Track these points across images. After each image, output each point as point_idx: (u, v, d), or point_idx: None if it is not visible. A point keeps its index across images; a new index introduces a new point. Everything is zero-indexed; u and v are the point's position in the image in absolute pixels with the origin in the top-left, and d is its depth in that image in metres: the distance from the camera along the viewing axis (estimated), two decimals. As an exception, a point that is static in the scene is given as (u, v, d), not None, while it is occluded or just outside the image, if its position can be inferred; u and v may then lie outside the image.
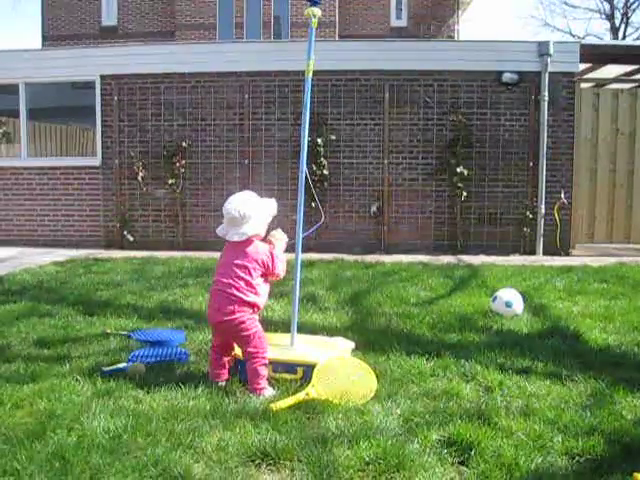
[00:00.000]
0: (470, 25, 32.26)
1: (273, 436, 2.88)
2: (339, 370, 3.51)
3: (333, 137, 9.06)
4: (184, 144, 9.25)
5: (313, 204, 8.96)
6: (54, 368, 3.82)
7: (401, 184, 9.09)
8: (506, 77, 8.79)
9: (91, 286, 6.34)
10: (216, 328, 3.57)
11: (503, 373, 3.77)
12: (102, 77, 9.37)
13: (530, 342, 4.39)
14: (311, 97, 8.71)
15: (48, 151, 9.97)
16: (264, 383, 3.47)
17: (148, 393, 3.41)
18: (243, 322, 3.45)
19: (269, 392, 3.45)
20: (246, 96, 9.18)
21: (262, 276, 3.53)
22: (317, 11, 3.76)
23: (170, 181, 9.28)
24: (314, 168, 9.02)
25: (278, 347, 3.82)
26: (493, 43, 9.01)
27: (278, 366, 3.64)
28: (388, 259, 8.38)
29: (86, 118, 9.72)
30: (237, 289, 3.44)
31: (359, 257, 8.52)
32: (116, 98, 9.34)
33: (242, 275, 3.44)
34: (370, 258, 8.42)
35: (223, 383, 3.58)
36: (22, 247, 9.44)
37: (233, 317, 3.44)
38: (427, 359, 4.01)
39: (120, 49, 9.86)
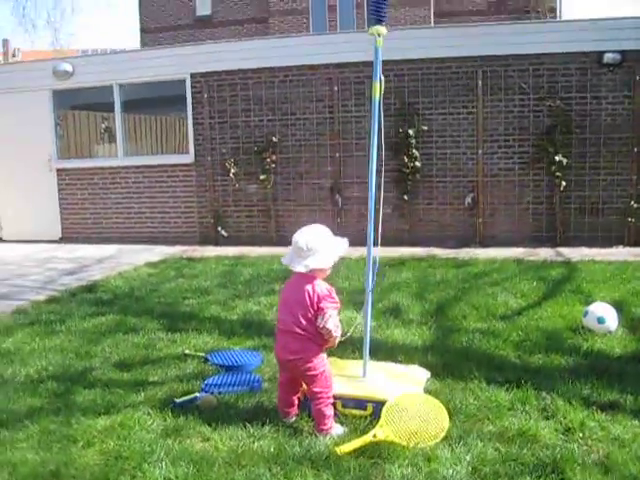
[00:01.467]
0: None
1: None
2: (409, 408, 3.37)
3: (425, 127, 8.77)
4: (274, 139, 9.24)
5: (405, 196, 8.82)
6: (130, 397, 3.88)
7: (496, 174, 8.70)
8: (608, 58, 8.16)
9: (179, 294, 6.46)
10: (283, 366, 3.50)
11: (587, 409, 3.51)
12: (192, 75, 9.48)
13: (621, 367, 4.07)
14: (402, 86, 8.58)
15: (143, 149, 10.25)
16: (330, 423, 3.38)
17: (215, 430, 3.40)
18: (310, 361, 3.36)
19: (336, 431, 3.37)
20: (335, 88, 9.03)
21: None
22: (382, 30, 3.54)
23: (261, 176, 9.32)
24: (405, 160, 8.81)
25: (349, 380, 3.73)
26: (593, 22, 8.37)
27: (348, 402, 3.55)
28: (482, 253, 8.08)
29: (178, 114, 9.89)
30: (301, 328, 3.35)
31: (452, 251, 8.27)
32: (206, 95, 9.43)
33: (302, 312, 3.34)
34: (464, 253, 8.14)
35: (293, 419, 3.51)
36: (121, 244, 9.78)
37: (301, 356, 3.36)
38: (507, 389, 3.80)
39: (208, 47, 9.91)
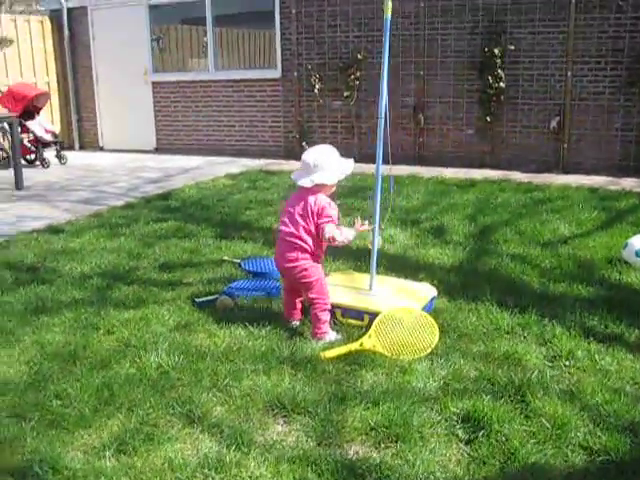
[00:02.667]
0: None
1: (299, 388, 3.02)
2: (400, 322, 3.52)
3: (512, 47, 8.41)
4: (359, 56, 9.19)
5: (488, 118, 8.60)
6: (160, 295, 4.25)
7: (585, 98, 8.26)
8: None
9: (243, 204, 6.77)
10: (282, 273, 3.72)
11: (585, 339, 3.51)
12: (281, -12, 9.51)
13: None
14: (490, 3, 8.23)
15: (233, 64, 10.48)
16: (325, 328, 3.58)
17: (221, 328, 3.70)
18: (305, 269, 3.55)
19: (330, 337, 3.57)
20: (422, 4, 8.79)
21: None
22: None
23: (345, 93, 9.35)
24: (490, 81, 8.54)
25: (354, 291, 3.89)
26: None
27: (347, 311, 3.73)
28: (560, 180, 7.82)
29: (267, 29, 9.99)
30: (298, 237, 3.53)
31: (531, 176, 8.06)
32: (294, 10, 9.45)
33: (303, 223, 3.52)
34: (541, 178, 7.91)
35: (296, 323, 3.75)
36: (210, 156, 10.20)
37: (296, 264, 3.56)
38: (513, 313, 3.84)
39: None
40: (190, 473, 2.48)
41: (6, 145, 9.47)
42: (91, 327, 3.76)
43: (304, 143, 9.81)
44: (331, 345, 3.48)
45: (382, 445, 2.66)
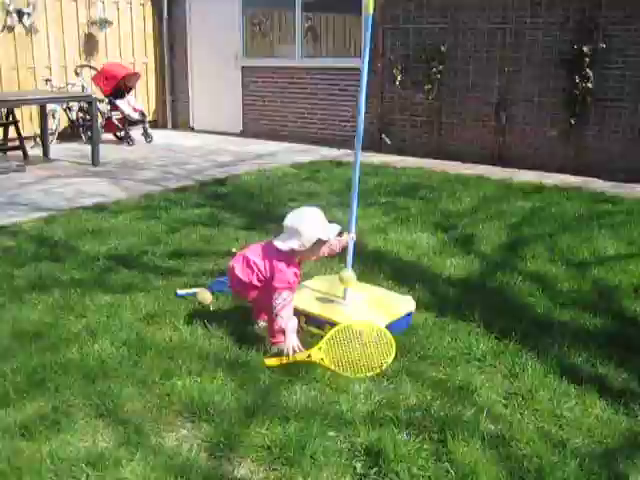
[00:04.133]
0: None
1: (221, 395, 2.97)
2: (356, 337, 3.35)
3: (603, 45, 7.77)
4: (442, 48, 8.85)
5: (573, 120, 8.06)
6: (152, 282, 4.32)
7: (682, 103, 7.51)
8: None
9: (289, 196, 6.71)
10: None
11: (559, 378, 3.17)
12: (369, -23, 9.29)
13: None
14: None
15: (320, 51, 10.41)
16: (280, 337, 3.48)
17: (186, 324, 3.69)
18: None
19: (283, 346, 3.47)
20: (511, -5, 8.32)
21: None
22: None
23: (426, 86, 9.05)
24: (577, 80, 7.96)
25: (326, 298, 3.76)
26: None
27: (311, 319, 3.62)
28: (644, 193, 7.18)
29: (354, 18, 9.85)
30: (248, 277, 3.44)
31: (613, 185, 7.44)
32: (381, -1, 9.23)
33: (255, 270, 3.41)
34: (624, 189, 7.22)
35: (263, 324, 3.67)
36: (291, 143, 10.22)
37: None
38: (494, 339, 3.56)
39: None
40: (67, 467, 2.50)
41: (100, 119, 9.94)
42: (68, 309, 3.88)
43: (383, 135, 9.62)
44: (282, 353, 3.38)
45: (271, 467, 2.55)
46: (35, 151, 9.10)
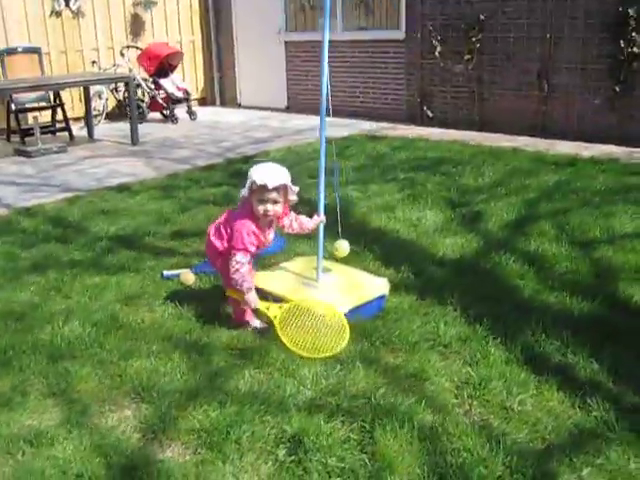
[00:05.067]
0: None
1: (170, 376, 3.04)
2: (311, 316, 3.35)
3: (649, 6, 7.32)
4: (481, 17, 8.54)
5: (617, 88, 7.68)
6: (145, 262, 4.42)
7: None
8: None
9: (310, 172, 6.65)
10: None
11: (521, 367, 3.06)
12: (407, -55, 9.06)
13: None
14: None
15: (360, 24, 10.23)
16: (247, 315, 3.51)
17: (162, 305, 3.78)
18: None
19: (255, 324, 3.50)
20: (552, -42, 7.91)
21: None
22: None
23: (466, 56, 8.78)
24: (622, 45, 7.54)
25: (297, 280, 3.74)
26: None
27: (277, 301, 3.59)
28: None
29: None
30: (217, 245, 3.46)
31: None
32: (419, -33, 8.97)
33: (223, 236, 3.42)
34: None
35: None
36: (334, 117, 10.07)
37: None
38: (466, 323, 3.47)
39: None
40: (4, 443, 2.63)
41: (146, 99, 10.18)
42: (56, 290, 4.03)
43: (425, 108, 9.43)
44: (258, 331, 3.41)
45: (196, 451, 2.60)
46: (83, 132, 9.39)
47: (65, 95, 9.46)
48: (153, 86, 10.03)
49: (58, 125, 9.15)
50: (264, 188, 3.20)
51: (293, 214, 3.60)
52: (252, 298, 3.33)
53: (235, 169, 6.97)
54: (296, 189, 3.36)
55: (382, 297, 3.69)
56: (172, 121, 10.08)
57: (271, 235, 3.47)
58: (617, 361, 3.08)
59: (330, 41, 9.85)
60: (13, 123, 8.77)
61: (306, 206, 5.35)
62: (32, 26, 9.51)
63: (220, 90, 11.87)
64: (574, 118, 8.15)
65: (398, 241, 4.71)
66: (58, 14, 9.74)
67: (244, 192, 3.32)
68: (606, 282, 3.96)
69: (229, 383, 3.00)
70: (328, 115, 3.63)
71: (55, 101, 9.06)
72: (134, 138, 8.52)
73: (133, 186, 6.43)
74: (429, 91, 9.34)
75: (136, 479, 2.42)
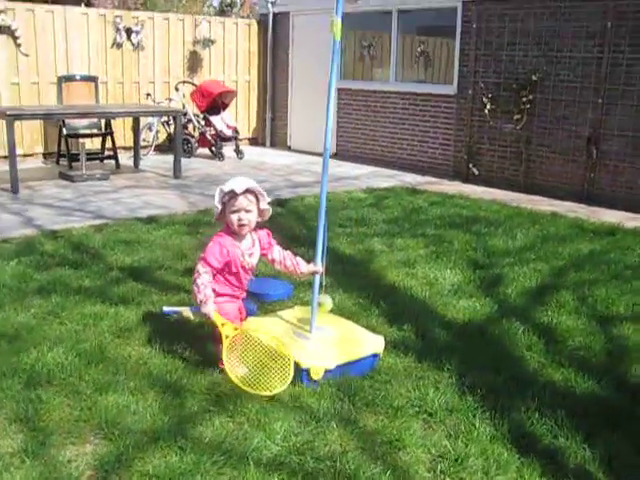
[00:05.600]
0: None
1: (131, 413, 2.96)
2: (256, 350, 3.30)
3: None
4: (534, 77, 8.43)
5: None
6: (150, 296, 4.40)
7: None
8: None
9: (341, 221, 6.62)
10: None
11: (505, 446, 2.88)
12: (464, 3, 9.06)
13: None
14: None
15: (412, 77, 10.24)
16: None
17: (154, 341, 3.71)
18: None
19: (239, 372, 3.40)
20: (608, 24, 7.77)
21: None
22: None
23: (516, 116, 8.66)
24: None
25: (290, 330, 3.64)
26: None
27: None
28: None
29: (447, 44, 9.63)
30: None
31: None
32: (475, 25, 8.95)
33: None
34: None
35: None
36: (380, 167, 10.12)
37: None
38: (459, 393, 3.30)
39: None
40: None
41: (196, 134, 10.37)
42: (54, 315, 4.03)
43: (471, 165, 9.31)
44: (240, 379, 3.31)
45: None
46: (131, 161, 9.59)
47: (117, 125, 9.72)
48: (203, 122, 10.21)
49: (107, 153, 9.36)
50: (233, 194, 3.25)
51: (289, 252, 3.61)
52: (205, 310, 3.29)
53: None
54: (267, 199, 3.39)
55: (375, 356, 3.55)
56: (219, 158, 10.21)
57: (255, 258, 3.48)
58: (612, 450, 2.87)
59: (383, 91, 9.96)
60: (65, 147, 9.01)
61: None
62: (93, 56, 9.86)
63: (271, 131, 12.01)
64: (622, 187, 7.89)
65: (409, 299, 4.58)
66: (119, 46, 10.07)
67: (216, 209, 3.35)
68: (617, 362, 3.74)
69: (196, 429, 2.91)
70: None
71: (106, 129, 9.29)
72: (176, 172, 8.65)
73: (162, 219, 6.47)
74: (476, 149, 9.23)
75: (72, 521, 2.33)
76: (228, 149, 10.53)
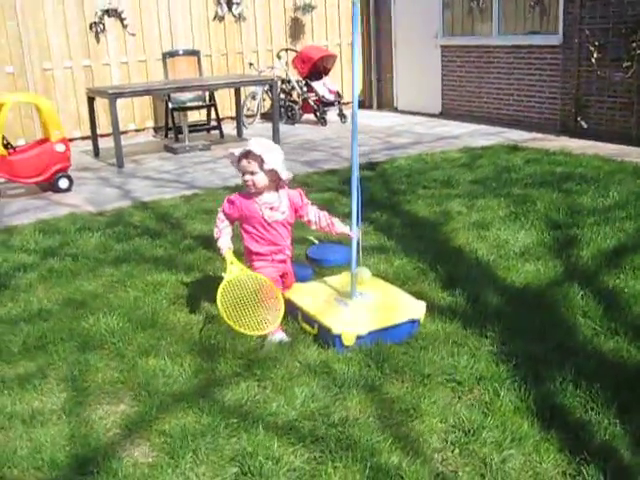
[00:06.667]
0: None
1: (165, 376, 3.14)
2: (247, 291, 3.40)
3: None
4: (646, 18, 7.76)
5: None
6: (214, 263, 4.55)
7: None
8: None
9: (426, 183, 6.49)
10: None
11: (533, 418, 2.79)
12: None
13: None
14: None
15: (515, 28, 9.70)
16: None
17: (204, 308, 3.89)
18: (249, 265, 3.63)
19: (275, 338, 3.49)
20: None
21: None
22: None
23: (626, 64, 8.03)
24: None
25: (332, 296, 3.67)
26: None
27: (305, 316, 3.58)
28: None
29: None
30: None
31: None
32: (581, -33, 8.33)
33: None
34: None
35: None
36: (484, 124, 9.75)
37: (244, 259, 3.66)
38: (489, 362, 3.21)
39: None
40: (4, 420, 2.89)
41: (300, 100, 10.48)
42: (120, 283, 4.28)
43: (579, 118, 8.77)
44: (279, 346, 3.41)
45: (158, 455, 2.67)
46: (235, 131, 9.86)
47: (223, 95, 10.01)
48: (306, 88, 10.28)
49: (213, 124, 9.69)
50: (234, 158, 3.47)
51: (324, 212, 3.69)
52: (219, 244, 3.60)
53: (349, 176, 6.93)
54: (272, 161, 3.41)
55: (413, 322, 3.51)
56: (321, 123, 10.27)
57: (278, 213, 3.60)
58: (648, 428, 2.67)
59: (486, 45, 9.54)
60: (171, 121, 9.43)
61: (403, 217, 5.31)
62: (196, 30, 10.17)
63: (378, 93, 11.88)
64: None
65: (472, 262, 4.45)
66: (221, 18, 10.32)
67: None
68: None
69: (221, 392, 3.03)
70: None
71: (210, 101, 9.61)
72: (275, 139, 8.81)
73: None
74: (584, 101, 8.66)
75: (87, 475, 2.52)
76: (332, 114, 10.54)
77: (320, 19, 11.14)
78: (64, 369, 3.28)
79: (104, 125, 9.16)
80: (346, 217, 5.29)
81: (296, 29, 11.00)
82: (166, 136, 9.67)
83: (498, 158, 7.43)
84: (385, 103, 11.85)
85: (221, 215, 3.64)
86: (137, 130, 9.95)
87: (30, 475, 2.56)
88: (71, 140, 9.14)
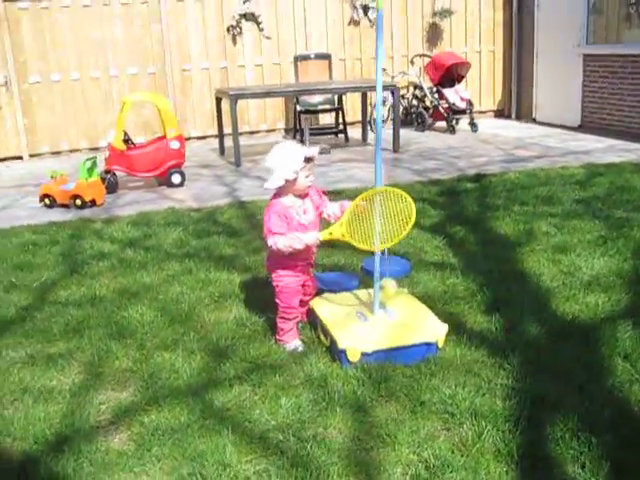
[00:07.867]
0: None
1: (174, 371, 3.28)
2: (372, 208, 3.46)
3: None
4: None
5: None
6: (225, 275, 4.58)
7: None
8: None
9: (520, 200, 6.16)
10: None
11: (491, 465, 2.62)
12: None
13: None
14: None
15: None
16: (284, 337, 3.55)
17: (241, 308, 3.99)
18: (271, 273, 3.57)
19: (290, 346, 3.53)
20: None
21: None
22: None
23: None
24: None
25: (353, 310, 3.62)
26: None
27: (322, 328, 3.56)
28: None
29: None
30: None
31: None
32: None
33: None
34: None
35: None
36: (624, 140, 9.03)
37: (267, 264, 3.62)
38: (491, 398, 3.02)
39: None
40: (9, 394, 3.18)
41: (431, 107, 10.33)
42: (175, 278, 4.50)
43: None
44: (292, 355, 3.44)
45: (128, 444, 2.80)
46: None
47: (354, 100, 10.10)
48: (437, 95, 10.10)
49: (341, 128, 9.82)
50: (309, 159, 3.32)
51: (342, 202, 3.59)
52: (306, 239, 3.34)
53: (452, 187, 6.76)
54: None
55: (429, 345, 3.37)
56: (450, 131, 10.05)
57: (309, 215, 3.47)
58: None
59: (630, 55, 8.89)
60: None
61: (474, 234, 5.10)
62: (331, 34, 10.33)
63: (517, 103, 11.40)
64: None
65: (529, 288, 4.18)
66: (356, 23, 10.39)
67: (289, 176, 3.30)
68: None
69: (213, 393, 3.11)
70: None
71: (338, 104, 9.73)
72: (395, 145, 8.76)
73: (345, 192, 6.64)
74: None
75: (58, 452, 2.70)
76: (464, 122, 10.29)
77: (459, 25, 10.88)
78: (88, 354, 3.51)
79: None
80: (423, 230, 5.24)
81: (433, 35, 10.84)
82: (294, 137, 9.92)
83: (618, 177, 6.87)
84: (524, 114, 11.34)
85: (271, 240, 3.35)
86: (268, 130, 10.30)
87: (17, 445, 2.78)
88: (205, 138, 9.70)
